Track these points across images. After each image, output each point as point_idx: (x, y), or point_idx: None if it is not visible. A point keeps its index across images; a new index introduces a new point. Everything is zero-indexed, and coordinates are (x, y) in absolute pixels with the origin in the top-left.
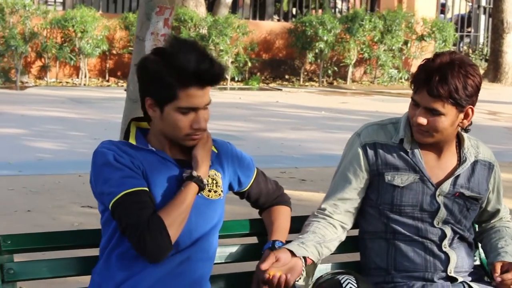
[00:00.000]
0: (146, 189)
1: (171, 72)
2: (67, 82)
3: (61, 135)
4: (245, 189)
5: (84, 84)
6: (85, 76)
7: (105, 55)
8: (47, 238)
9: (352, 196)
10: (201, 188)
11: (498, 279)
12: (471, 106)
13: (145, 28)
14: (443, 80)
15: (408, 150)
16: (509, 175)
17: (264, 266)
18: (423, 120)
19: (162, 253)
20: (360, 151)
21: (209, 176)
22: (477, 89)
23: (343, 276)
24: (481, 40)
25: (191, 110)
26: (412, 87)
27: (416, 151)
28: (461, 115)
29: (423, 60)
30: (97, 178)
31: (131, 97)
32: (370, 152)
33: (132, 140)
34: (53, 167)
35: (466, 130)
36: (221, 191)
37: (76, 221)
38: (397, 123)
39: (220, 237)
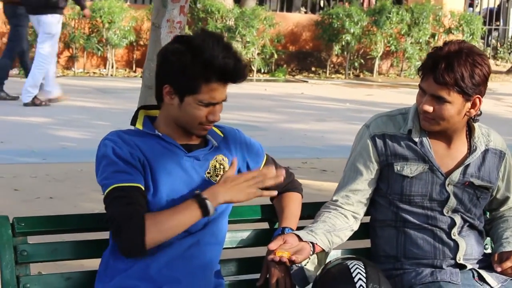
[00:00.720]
0: (139, 185)
1: (197, 66)
2: (94, 73)
3: (85, 124)
4: None
5: (111, 75)
6: (112, 67)
7: (132, 46)
8: (61, 221)
9: (363, 187)
10: (203, 211)
11: (498, 269)
12: (479, 96)
13: (161, 15)
14: (449, 68)
15: (417, 140)
16: None
17: (271, 246)
18: (429, 108)
19: (133, 250)
20: (369, 142)
21: (216, 160)
22: (485, 78)
23: (351, 261)
24: (510, 33)
25: (211, 104)
26: (420, 74)
27: (425, 140)
28: (468, 104)
29: (432, 48)
30: (96, 169)
31: (147, 83)
32: (379, 143)
33: (139, 126)
34: (76, 155)
35: (474, 120)
36: None
37: (97, 208)
38: (406, 114)
39: (232, 222)
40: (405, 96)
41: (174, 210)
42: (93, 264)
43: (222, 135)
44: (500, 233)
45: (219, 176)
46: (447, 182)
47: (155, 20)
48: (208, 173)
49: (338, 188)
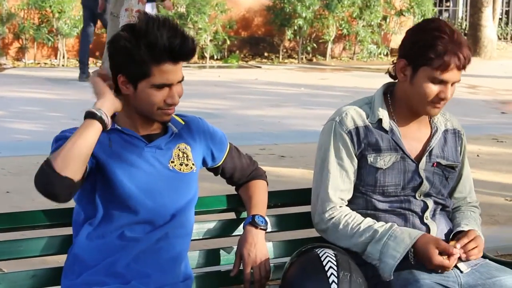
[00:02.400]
0: None
1: (143, 49)
2: (45, 63)
3: (39, 116)
4: (219, 164)
5: (63, 65)
6: (63, 57)
7: None
8: (23, 218)
9: (351, 185)
10: (98, 120)
11: (457, 245)
12: None
13: (119, 4)
14: (469, 55)
15: (387, 129)
16: (488, 148)
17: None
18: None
19: (50, 183)
20: (346, 137)
21: (179, 149)
22: None
23: (321, 249)
24: (460, 14)
25: (165, 86)
26: (440, 68)
27: (395, 128)
28: None
29: (436, 37)
30: None
31: None
32: (355, 138)
33: None
34: (31, 148)
35: None
36: (193, 164)
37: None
38: (371, 103)
39: (198, 213)
40: (359, 79)
41: (72, 135)
42: (60, 259)
43: (183, 123)
44: (457, 222)
45: (183, 165)
46: (419, 167)
47: (113, 9)
48: (172, 162)
49: (328, 190)
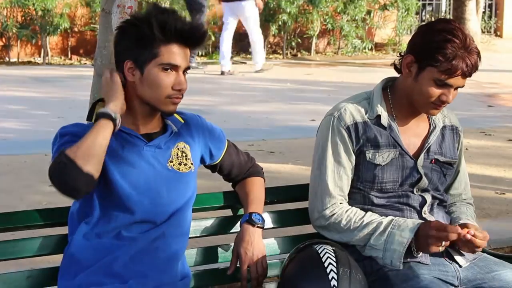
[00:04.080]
0: None
1: (154, 28)
2: (29, 62)
3: (25, 114)
4: (217, 162)
5: (47, 63)
6: (47, 55)
7: (66, 33)
8: (15, 218)
9: (349, 181)
10: (110, 118)
11: (468, 236)
12: None
13: (111, 1)
14: (476, 64)
15: (386, 125)
16: (476, 141)
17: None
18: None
19: (72, 180)
20: (345, 133)
21: (178, 148)
22: None
23: (320, 245)
24: (443, 8)
25: (173, 68)
26: (446, 72)
27: (393, 125)
28: None
29: (447, 40)
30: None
31: (99, 72)
32: (353, 133)
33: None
34: (18, 147)
35: None
36: (191, 163)
37: (44, 200)
38: (369, 98)
39: (194, 210)
40: (344, 74)
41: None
42: (52, 260)
43: (182, 121)
44: (455, 216)
45: (182, 164)
46: (418, 164)
47: (105, 6)
48: (171, 161)
49: (329, 187)
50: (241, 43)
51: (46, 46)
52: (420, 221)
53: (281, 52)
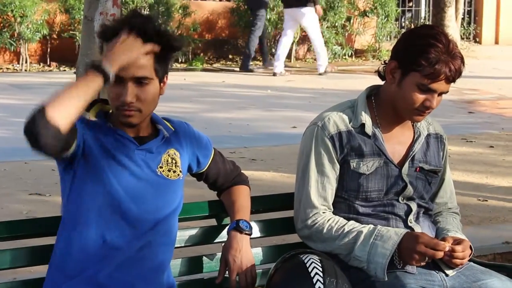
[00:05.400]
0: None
1: None
2: (7, 68)
3: (4, 122)
4: (204, 170)
5: (25, 70)
6: (26, 62)
7: (45, 39)
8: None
9: (333, 190)
10: (103, 75)
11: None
12: None
13: (94, 8)
14: (460, 68)
15: (370, 134)
16: (457, 148)
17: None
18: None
19: (35, 131)
20: (329, 143)
21: (168, 155)
22: None
23: (306, 255)
24: (423, 14)
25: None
26: (429, 77)
27: (378, 133)
28: None
29: (431, 45)
30: None
31: None
32: (338, 144)
33: (92, 116)
34: None
35: None
36: (180, 171)
37: (25, 209)
38: (353, 107)
39: (179, 220)
40: (324, 81)
41: (73, 83)
42: (34, 271)
43: (173, 129)
44: (441, 227)
45: (171, 172)
46: (402, 172)
47: (87, 13)
48: (160, 167)
49: (312, 196)
50: (221, 49)
51: (25, 53)
52: (404, 230)
53: (261, 58)
